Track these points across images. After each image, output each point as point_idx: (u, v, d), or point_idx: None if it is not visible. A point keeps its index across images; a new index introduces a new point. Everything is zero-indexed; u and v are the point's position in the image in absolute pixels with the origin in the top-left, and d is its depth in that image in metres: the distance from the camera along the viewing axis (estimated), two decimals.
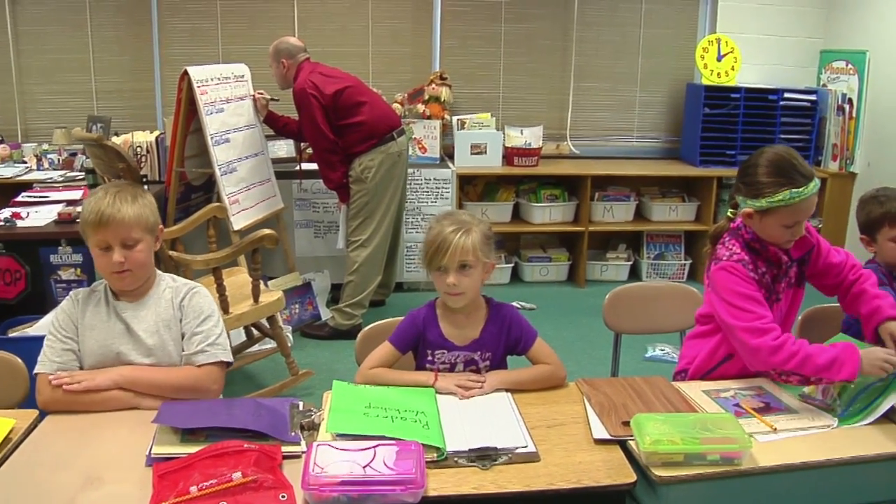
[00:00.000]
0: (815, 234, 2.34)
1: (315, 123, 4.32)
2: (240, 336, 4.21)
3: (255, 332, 4.18)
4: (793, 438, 1.88)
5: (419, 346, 2.23)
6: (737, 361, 2.25)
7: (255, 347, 4.19)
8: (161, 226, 2.22)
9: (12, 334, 3.46)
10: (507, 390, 2.12)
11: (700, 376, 2.34)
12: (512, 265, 5.78)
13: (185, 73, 4.14)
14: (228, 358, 2.16)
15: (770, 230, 2.21)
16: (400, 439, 1.75)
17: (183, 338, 2.15)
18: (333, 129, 4.37)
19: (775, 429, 1.91)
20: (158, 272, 2.23)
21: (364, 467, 1.62)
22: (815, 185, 2.14)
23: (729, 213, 2.35)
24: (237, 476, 1.59)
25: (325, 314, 4.81)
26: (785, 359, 2.06)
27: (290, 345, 4.02)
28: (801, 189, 2.13)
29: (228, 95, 4.40)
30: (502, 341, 2.22)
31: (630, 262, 5.88)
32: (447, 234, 2.10)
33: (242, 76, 4.59)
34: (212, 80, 4.28)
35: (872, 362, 2.00)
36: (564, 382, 2.19)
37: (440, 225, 2.15)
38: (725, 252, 2.24)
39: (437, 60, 5.84)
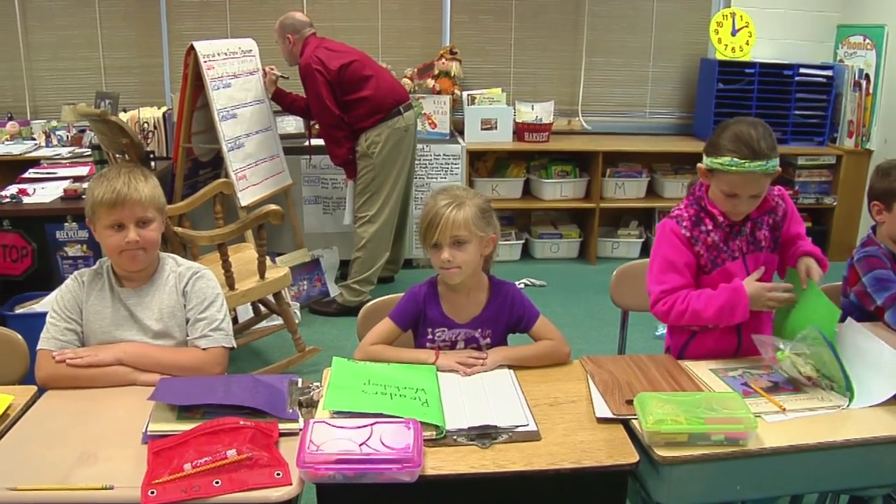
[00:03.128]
0: (786, 203, 2.29)
1: (320, 99, 4.29)
2: (247, 312, 4.21)
3: (262, 308, 4.17)
4: (801, 419, 1.84)
5: (419, 325, 2.20)
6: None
7: (263, 324, 4.18)
8: (167, 209, 2.22)
9: (19, 310, 3.47)
10: (509, 367, 2.09)
11: (681, 346, 2.31)
12: (522, 242, 5.74)
13: (192, 47, 4.11)
14: (231, 343, 2.15)
15: (713, 192, 2.19)
16: (398, 417, 1.72)
17: (187, 323, 2.14)
18: (339, 105, 4.34)
19: (784, 409, 1.87)
20: (162, 255, 2.22)
21: (360, 445, 1.59)
22: (759, 165, 2.05)
23: (698, 166, 2.33)
24: (232, 454, 1.57)
25: (334, 291, 4.80)
26: (676, 318, 2.17)
27: (297, 321, 4.01)
28: (741, 161, 2.06)
29: (236, 70, 4.36)
30: (503, 319, 2.19)
31: (642, 239, 5.83)
32: (439, 209, 2.06)
33: (250, 51, 4.55)
34: (219, 55, 4.24)
35: (760, 301, 2.11)
36: (568, 359, 2.16)
37: (434, 200, 2.10)
38: (675, 209, 2.27)
39: (448, 35, 5.76)
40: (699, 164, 2.21)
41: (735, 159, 2.06)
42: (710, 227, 2.21)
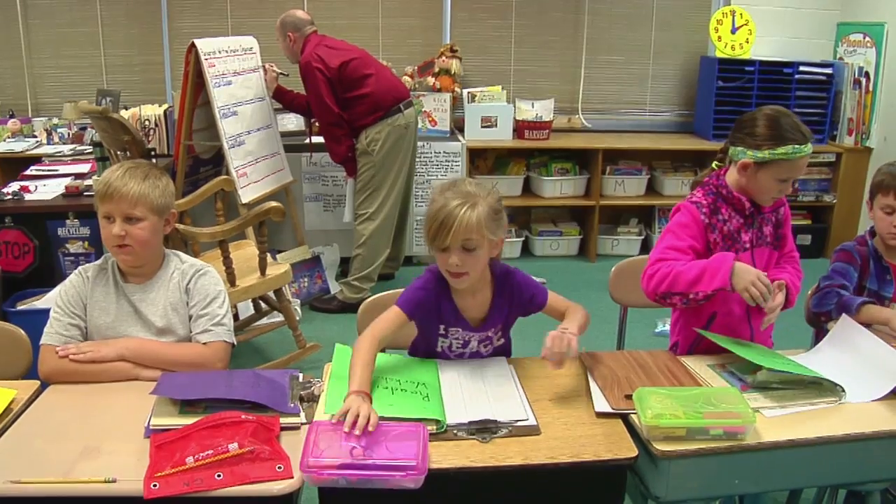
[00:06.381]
0: (786, 206, 2.36)
1: (320, 97, 4.30)
2: (248, 309, 4.22)
3: (262, 305, 4.18)
4: (798, 414, 1.85)
5: (430, 318, 2.08)
6: (721, 319, 2.26)
7: (263, 320, 4.19)
8: (173, 210, 2.20)
9: (21, 307, 3.48)
10: (510, 363, 2.10)
11: (691, 342, 2.28)
12: (522, 239, 5.75)
13: (193, 45, 4.12)
14: (231, 339, 2.16)
15: (763, 183, 2.19)
16: (402, 418, 1.72)
17: (190, 319, 2.15)
18: (339, 103, 4.35)
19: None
20: (167, 252, 2.22)
21: (365, 450, 1.59)
22: (810, 147, 2.14)
23: (714, 164, 2.34)
24: (233, 447, 1.58)
25: (335, 288, 4.81)
26: (658, 282, 2.13)
27: (298, 318, 4.02)
28: (801, 146, 2.12)
29: (237, 68, 4.37)
30: (514, 308, 2.14)
31: (642, 237, 5.85)
32: (451, 209, 1.89)
33: (251, 49, 4.56)
34: (220, 52, 4.25)
35: (744, 279, 2.03)
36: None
37: (443, 197, 1.93)
38: (692, 196, 2.28)
39: (448, 33, 5.77)
40: (742, 161, 2.17)
41: (796, 146, 2.11)
42: (726, 217, 2.23)
